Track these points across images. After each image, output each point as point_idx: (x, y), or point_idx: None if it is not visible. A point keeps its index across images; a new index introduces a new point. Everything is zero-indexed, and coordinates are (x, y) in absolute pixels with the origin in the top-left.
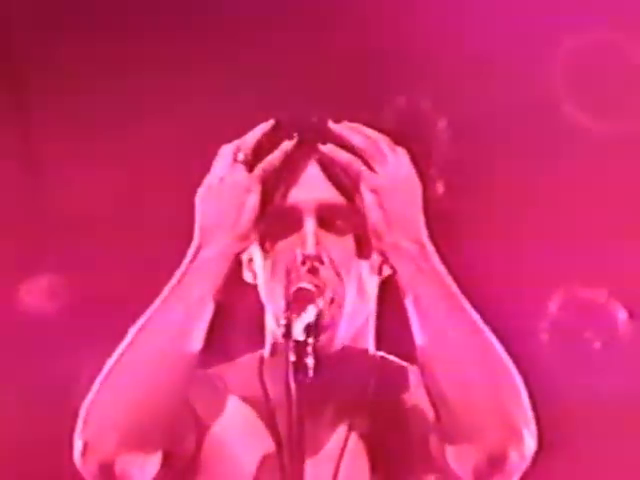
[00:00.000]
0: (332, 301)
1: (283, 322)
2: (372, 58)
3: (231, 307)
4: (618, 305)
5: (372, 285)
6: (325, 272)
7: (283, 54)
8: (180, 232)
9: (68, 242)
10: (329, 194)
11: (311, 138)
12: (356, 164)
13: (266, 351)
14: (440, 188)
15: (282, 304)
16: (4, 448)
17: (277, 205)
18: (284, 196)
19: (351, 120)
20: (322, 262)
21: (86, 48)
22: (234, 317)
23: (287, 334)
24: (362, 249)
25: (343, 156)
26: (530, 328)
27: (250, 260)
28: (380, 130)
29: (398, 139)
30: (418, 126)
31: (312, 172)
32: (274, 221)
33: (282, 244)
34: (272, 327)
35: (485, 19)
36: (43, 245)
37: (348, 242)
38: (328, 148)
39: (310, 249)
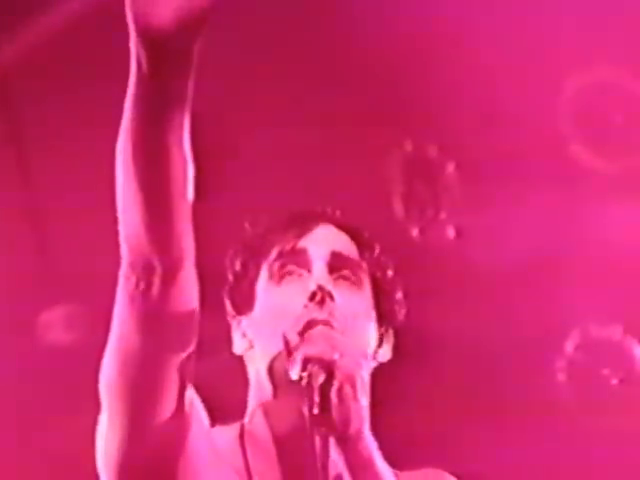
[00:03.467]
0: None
1: (305, 374)
2: (379, 106)
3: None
4: (634, 341)
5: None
6: (333, 308)
7: (300, 92)
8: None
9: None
10: (341, 246)
11: None
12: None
13: (247, 419)
14: (451, 233)
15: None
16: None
17: (287, 248)
18: (295, 242)
19: (359, 167)
20: (332, 298)
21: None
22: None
23: (310, 384)
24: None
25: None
26: (548, 368)
27: (244, 334)
28: (388, 175)
29: (406, 185)
30: (426, 172)
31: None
32: (285, 262)
33: (291, 282)
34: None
35: (488, 61)
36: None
37: (360, 297)
38: None
39: (321, 280)
